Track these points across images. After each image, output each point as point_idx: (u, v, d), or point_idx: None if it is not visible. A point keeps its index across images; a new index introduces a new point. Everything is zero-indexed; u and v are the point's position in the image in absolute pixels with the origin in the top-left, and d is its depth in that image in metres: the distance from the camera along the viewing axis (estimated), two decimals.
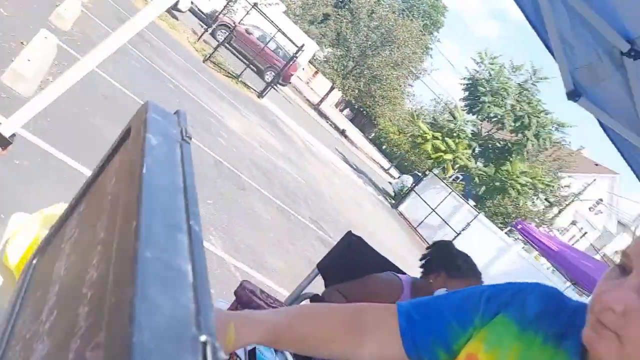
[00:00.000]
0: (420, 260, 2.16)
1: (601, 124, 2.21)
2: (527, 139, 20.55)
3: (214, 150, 6.41)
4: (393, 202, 18.34)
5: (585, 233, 21.83)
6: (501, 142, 21.81)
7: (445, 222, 15.91)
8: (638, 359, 0.66)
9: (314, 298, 2.08)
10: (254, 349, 1.53)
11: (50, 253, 0.73)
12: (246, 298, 1.79)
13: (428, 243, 15.52)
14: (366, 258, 2.19)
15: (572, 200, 23.16)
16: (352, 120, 42.70)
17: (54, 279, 0.59)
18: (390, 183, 23.06)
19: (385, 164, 33.96)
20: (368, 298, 2.02)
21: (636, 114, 1.98)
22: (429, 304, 0.90)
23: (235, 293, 1.84)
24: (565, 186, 22.41)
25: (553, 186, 21.01)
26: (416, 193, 17.63)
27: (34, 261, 0.79)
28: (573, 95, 2.08)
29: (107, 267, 0.39)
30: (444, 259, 2.09)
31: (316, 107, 29.68)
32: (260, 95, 14.38)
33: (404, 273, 2.20)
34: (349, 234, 2.17)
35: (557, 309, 0.83)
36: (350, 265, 2.15)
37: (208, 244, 4.06)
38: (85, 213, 0.64)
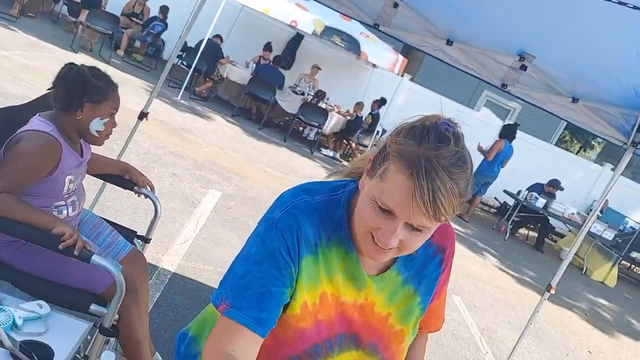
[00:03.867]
0: (54, 100, 1.74)
1: None
2: None
3: None
4: None
5: None
6: None
7: None
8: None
9: None
10: None
11: None
12: None
13: None
14: None
15: None
16: None
17: None
18: None
19: None
20: (27, 174, 1.67)
21: None
22: (257, 294, 0.99)
23: None
24: None
25: None
26: None
27: None
28: None
29: None
30: (81, 88, 1.75)
31: None
32: None
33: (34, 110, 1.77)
34: None
35: (319, 219, 1.06)
36: None
37: None
38: None
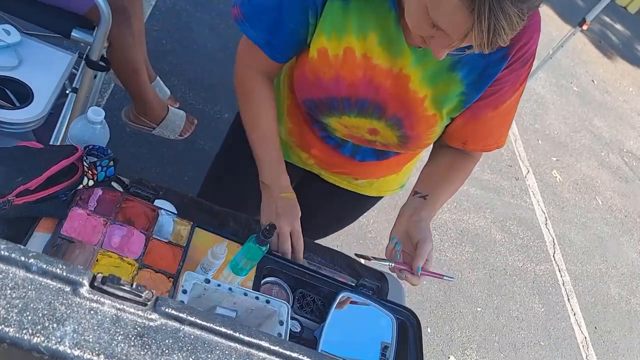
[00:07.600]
0: None
1: None
2: None
3: None
4: None
5: None
6: None
7: None
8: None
9: None
10: None
11: None
12: None
13: None
14: None
15: None
16: None
17: None
18: None
19: None
20: None
21: None
22: (273, 24, 0.96)
23: None
24: None
25: None
26: None
27: None
28: None
29: None
30: None
31: None
32: None
33: None
34: None
35: None
36: None
37: None
38: None
